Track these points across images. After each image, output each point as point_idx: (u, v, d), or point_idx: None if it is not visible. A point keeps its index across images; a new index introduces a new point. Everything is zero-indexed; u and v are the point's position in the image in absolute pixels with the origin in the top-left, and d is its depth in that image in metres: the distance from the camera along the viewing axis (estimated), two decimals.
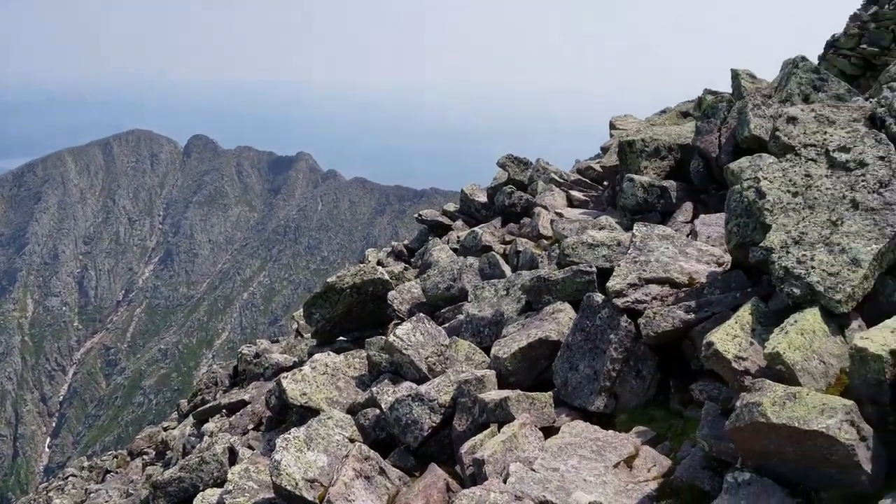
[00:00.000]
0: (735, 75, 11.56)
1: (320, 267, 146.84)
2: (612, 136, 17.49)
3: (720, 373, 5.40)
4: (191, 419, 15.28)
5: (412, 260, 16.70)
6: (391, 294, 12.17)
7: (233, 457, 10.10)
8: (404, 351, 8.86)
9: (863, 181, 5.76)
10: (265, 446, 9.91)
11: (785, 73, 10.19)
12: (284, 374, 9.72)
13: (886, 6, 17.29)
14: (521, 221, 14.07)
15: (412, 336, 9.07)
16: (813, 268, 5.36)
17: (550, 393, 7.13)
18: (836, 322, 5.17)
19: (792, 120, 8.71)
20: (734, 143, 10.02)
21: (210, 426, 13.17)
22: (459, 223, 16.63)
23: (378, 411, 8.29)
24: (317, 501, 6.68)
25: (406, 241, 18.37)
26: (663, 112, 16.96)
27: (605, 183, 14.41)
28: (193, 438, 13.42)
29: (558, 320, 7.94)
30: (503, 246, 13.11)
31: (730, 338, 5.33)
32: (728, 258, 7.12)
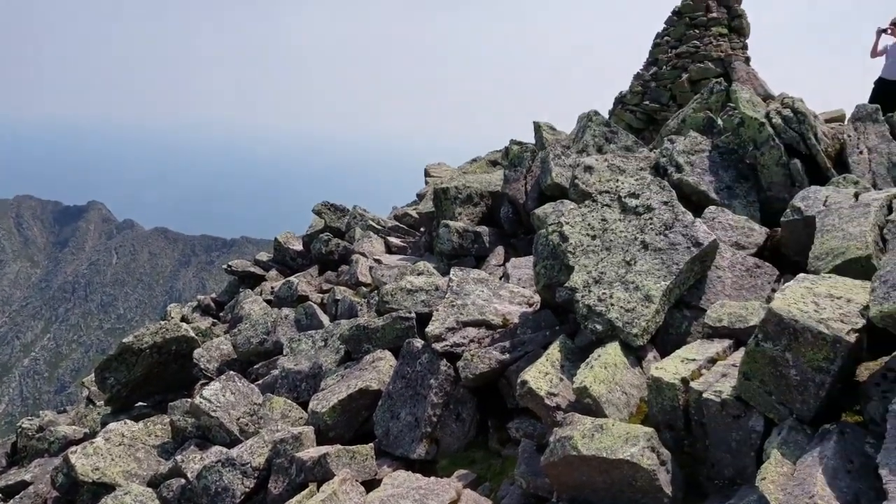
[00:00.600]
0: (537, 127, 12.42)
1: (115, 326, 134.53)
2: (427, 183, 17.99)
3: (534, 410, 5.60)
4: None
5: (221, 314, 15.77)
6: (197, 352, 11.33)
7: None
8: (212, 413, 8.23)
9: (650, 224, 6.35)
10: None
11: (581, 125, 11.12)
12: (73, 449, 8.61)
13: (664, 67, 19.65)
14: (339, 269, 13.90)
15: (221, 396, 8.47)
16: (612, 305, 5.77)
17: (372, 445, 6.96)
18: (634, 354, 5.58)
19: (588, 169, 9.50)
20: (539, 190, 10.70)
21: None
22: (273, 273, 16.05)
23: (184, 481, 7.55)
24: None
25: (214, 295, 17.33)
26: (474, 160, 17.79)
27: (422, 229, 14.71)
28: None
29: (378, 369, 7.84)
30: (321, 295, 12.82)
31: (542, 375, 5.55)
32: (538, 298, 7.48)
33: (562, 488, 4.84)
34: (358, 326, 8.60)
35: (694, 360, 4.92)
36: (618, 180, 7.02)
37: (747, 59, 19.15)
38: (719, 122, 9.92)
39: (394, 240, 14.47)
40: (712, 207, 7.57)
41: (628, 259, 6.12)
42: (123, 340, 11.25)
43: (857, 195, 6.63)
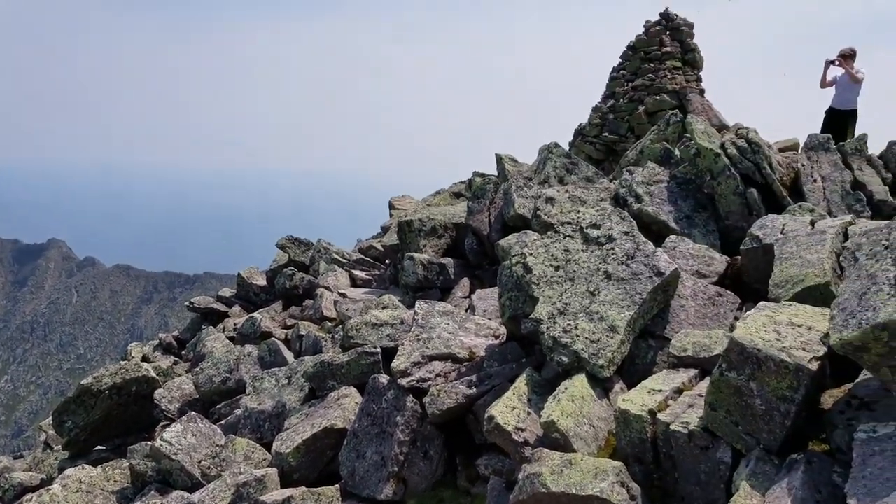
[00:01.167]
0: (499, 159, 12.49)
1: (75, 367, 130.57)
2: (391, 215, 17.94)
3: (502, 445, 5.51)
4: None
5: (183, 353, 15.40)
6: (158, 392, 11.01)
7: None
8: (173, 456, 7.97)
9: (613, 254, 6.38)
10: None
11: (542, 157, 11.22)
12: (29, 496, 8.30)
13: (621, 100, 20.07)
14: (304, 304, 13.69)
15: (182, 438, 8.21)
16: (577, 336, 5.75)
17: (337, 486, 6.79)
18: (601, 386, 5.56)
19: (550, 200, 9.56)
20: (502, 221, 10.73)
21: None
22: (237, 309, 15.76)
23: None
24: None
25: (176, 332, 16.94)
26: (438, 193, 17.83)
27: (387, 261, 14.62)
28: None
29: (344, 406, 7.68)
30: (285, 331, 12.60)
31: (509, 409, 5.48)
32: (504, 331, 7.44)
33: None
34: (322, 363, 8.44)
35: (660, 390, 4.91)
36: (579, 211, 7.06)
37: (701, 91, 19.69)
38: (676, 152, 10.11)
39: (359, 273, 14.35)
40: (672, 237, 7.66)
41: (592, 289, 6.12)
42: (82, 382, 10.90)
43: (813, 223, 6.77)
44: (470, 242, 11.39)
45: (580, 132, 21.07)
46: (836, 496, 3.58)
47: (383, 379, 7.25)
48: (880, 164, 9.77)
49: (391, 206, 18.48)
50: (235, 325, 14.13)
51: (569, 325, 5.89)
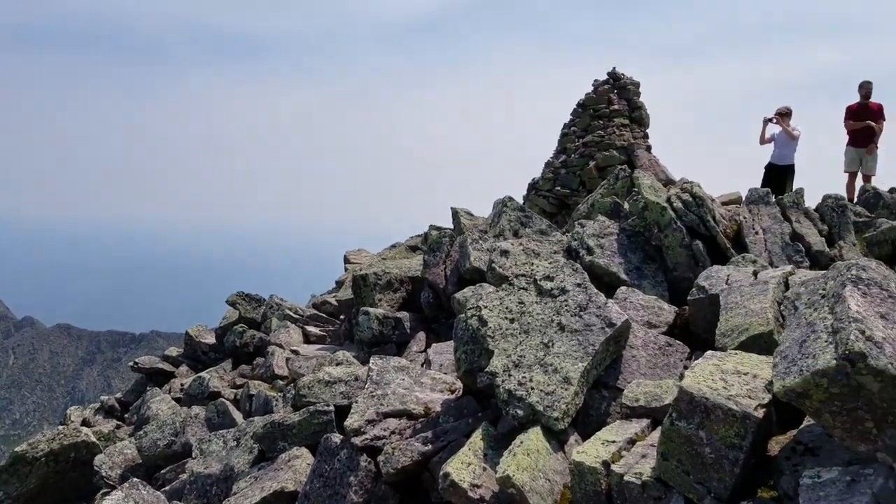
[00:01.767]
0: (455, 213, 12.65)
1: (10, 433, 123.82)
2: (346, 269, 17.83)
3: (458, 503, 5.43)
4: None
5: (126, 416, 14.80)
6: (98, 458, 10.51)
7: None
8: None
9: (566, 306, 6.47)
10: None
11: (496, 211, 11.41)
12: None
13: (573, 155, 20.63)
14: (255, 362, 13.39)
15: None
16: (532, 388, 5.77)
17: None
18: (557, 438, 5.56)
19: (505, 253, 9.69)
20: (458, 275, 10.79)
21: None
22: (184, 369, 15.29)
23: None
24: None
25: (119, 394, 16.29)
26: (394, 246, 17.86)
27: (342, 316, 14.47)
28: None
29: (295, 468, 7.47)
30: (234, 391, 12.26)
31: (464, 466, 5.43)
32: (460, 385, 7.40)
33: None
34: (273, 423, 8.22)
35: (614, 441, 4.95)
36: (533, 264, 7.18)
37: (648, 147, 20.42)
38: (626, 206, 10.41)
39: (312, 329, 14.14)
40: (623, 288, 7.83)
41: (546, 341, 6.18)
42: (16, 449, 10.41)
43: (755, 273, 7.01)
44: (426, 296, 11.39)
45: (534, 186, 21.52)
46: None
47: (336, 438, 7.10)
48: (816, 216, 10.23)
49: (346, 261, 18.40)
50: (182, 385, 13.69)
51: (524, 377, 5.91)
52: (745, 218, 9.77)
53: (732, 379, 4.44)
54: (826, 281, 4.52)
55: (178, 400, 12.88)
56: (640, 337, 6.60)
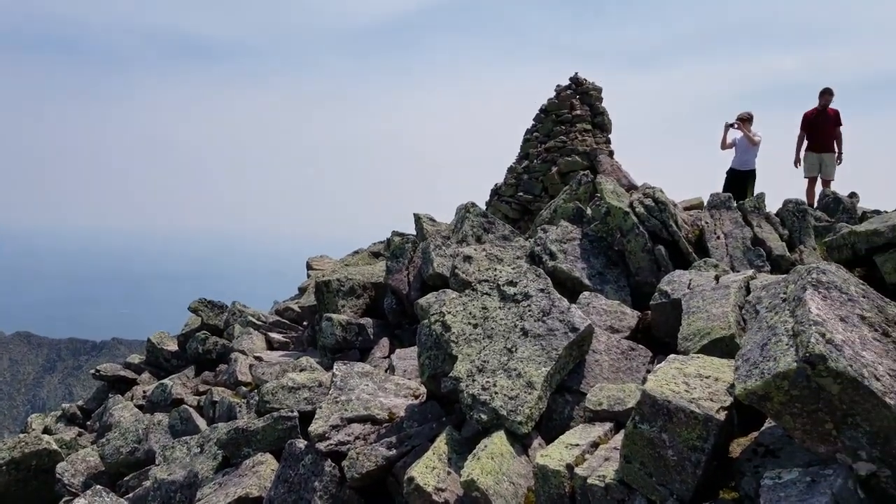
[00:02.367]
0: (417, 219, 12.60)
1: None
2: (309, 276, 17.66)
3: None
4: None
5: (88, 423, 14.47)
6: (60, 466, 10.31)
7: None
8: None
9: (529, 311, 6.48)
10: None
11: (459, 216, 11.39)
12: None
13: (535, 161, 20.71)
14: (218, 369, 13.18)
15: None
16: (496, 393, 5.76)
17: None
18: (520, 442, 5.55)
19: (468, 259, 9.68)
20: (421, 281, 10.75)
21: None
22: (146, 376, 14.99)
23: None
24: None
25: (81, 402, 15.91)
26: (356, 252, 17.73)
27: (305, 323, 14.32)
28: None
29: (259, 474, 7.36)
30: (197, 397, 12.05)
31: (429, 470, 5.39)
32: (423, 390, 7.37)
33: None
34: (236, 429, 8.09)
35: (577, 444, 4.95)
36: (496, 269, 7.17)
37: (611, 153, 20.62)
38: (588, 211, 10.48)
39: (275, 335, 13.97)
40: (586, 293, 7.87)
41: (510, 346, 6.18)
42: None
43: (717, 277, 7.10)
44: (389, 302, 11.33)
45: (496, 192, 21.57)
46: None
47: (300, 444, 7.02)
48: (777, 221, 10.42)
49: (309, 267, 18.22)
50: (145, 392, 13.42)
51: (487, 382, 5.90)
52: (706, 223, 9.92)
53: (695, 382, 4.48)
54: (787, 285, 4.59)
55: (140, 407, 12.63)
56: (602, 341, 6.63)
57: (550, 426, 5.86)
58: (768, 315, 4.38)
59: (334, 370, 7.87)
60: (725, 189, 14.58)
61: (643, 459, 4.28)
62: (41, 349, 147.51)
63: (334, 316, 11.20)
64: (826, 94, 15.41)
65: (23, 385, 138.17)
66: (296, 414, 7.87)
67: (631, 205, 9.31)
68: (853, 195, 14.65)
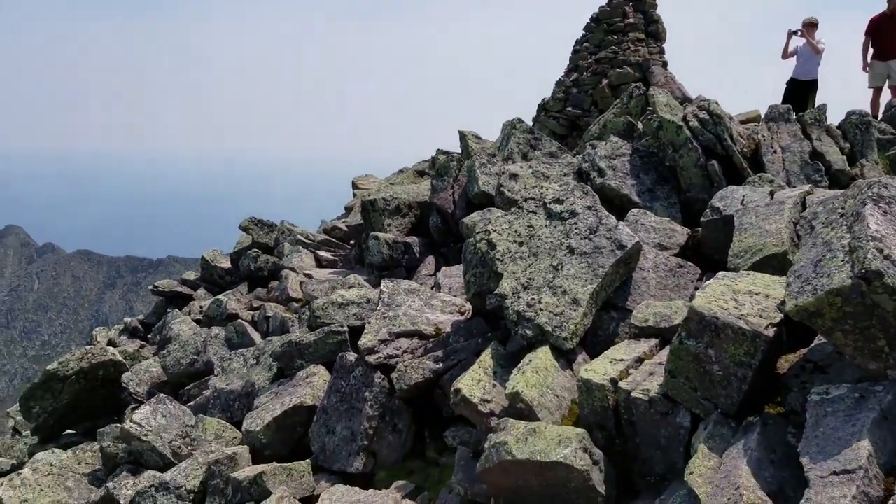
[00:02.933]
0: (462, 136, 12.45)
1: (41, 353, 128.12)
2: (355, 195, 17.78)
3: (469, 417, 5.59)
4: None
5: (149, 336, 15.20)
6: (126, 376, 10.94)
7: None
8: (144, 437, 7.93)
9: (575, 229, 6.43)
10: None
11: (505, 133, 11.20)
12: (0, 481, 8.23)
13: (584, 73, 20.04)
14: (269, 285, 13.58)
15: (152, 420, 8.17)
16: (541, 310, 5.81)
17: (308, 461, 6.83)
18: (565, 357, 5.63)
19: (513, 176, 9.58)
20: (467, 199, 10.72)
21: None
22: (202, 292, 15.56)
23: None
24: None
25: (141, 316, 16.68)
26: (401, 171, 17.69)
27: (352, 241, 14.54)
28: None
29: (312, 384, 7.69)
30: (251, 312, 12.51)
31: (475, 382, 5.54)
32: (469, 307, 7.48)
33: (499, 493, 4.84)
34: (290, 342, 8.42)
35: (622, 360, 5.00)
36: (542, 187, 7.09)
37: (665, 64, 19.76)
38: (639, 126, 10.18)
39: (324, 254, 14.25)
40: (635, 210, 7.74)
41: (555, 264, 6.18)
42: (48, 367, 10.81)
43: (772, 193, 6.89)
44: (434, 221, 11.38)
45: (543, 107, 21.01)
46: (790, 455, 3.70)
47: (351, 356, 7.28)
48: (839, 134, 9.96)
49: (354, 186, 18.32)
50: (201, 307, 13.97)
51: (532, 299, 5.94)
52: (763, 136, 9.54)
53: (744, 299, 4.43)
54: (845, 200, 4.43)
55: (197, 321, 13.19)
56: (650, 259, 6.57)
57: (595, 342, 5.92)
58: (824, 231, 4.26)
59: (382, 287, 8.04)
60: (785, 100, 13.89)
61: (688, 374, 4.30)
62: (101, 267, 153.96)
63: (381, 234, 11.32)
64: None
65: (86, 301, 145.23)
66: (345, 328, 8.13)
67: (684, 118, 8.99)
68: None
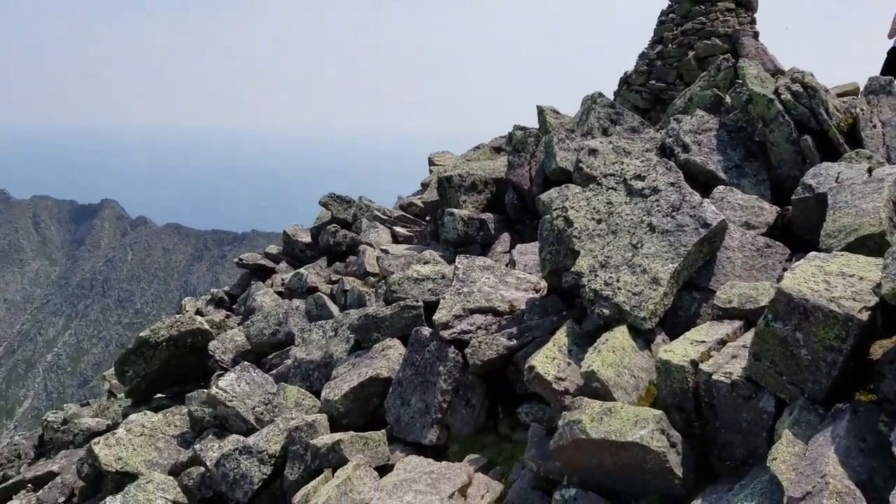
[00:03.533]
0: (540, 111, 12.28)
1: (133, 321, 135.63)
2: (431, 172, 17.87)
3: (543, 394, 5.56)
4: None
5: (234, 307, 15.85)
6: (212, 344, 11.46)
7: None
8: (228, 403, 8.31)
9: (657, 206, 6.26)
10: None
11: (585, 108, 10.97)
12: (96, 440, 8.80)
13: (670, 45, 19.34)
14: (347, 260, 13.89)
15: (237, 386, 8.54)
16: (619, 289, 5.70)
17: (384, 431, 6.99)
18: (643, 337, 5.52)
19: (593, 152, 9.39)
20: (544, 176, 10.59)
21: None
22: (283, 265, 16.08)
23: (203, 469, 7.73)
24: None
25: (227, 288, 17.41)
26: (477, 148, 17.64)
27: (428, 218, 14.65)
28: None
29: (388, 357, 7.85)
30: (330, 286, 12.84)
31: (549, 360, 5.51)
32: (544, 284, 7.43)
33: (572, 471, 4.82)
34: (367, 316, 8.60)
35: (703, 341, 4.86)
36: (623, 163, 6.92)
37: (756, 34, 18.81)
38: (727, 99, 9.77)
39: (400, 229, 14.43)
40: (721, 187, 7.46)
41: (635, 242, 6.04)
42: (140, 335, 11.48)
43: (870, 170, 6.50)
44: (510, 197, 11.31)
45: (625, 81, 20.42)
46: (882, 444, 3.52)
47: (426, 331, 7.37)
48: None
49: (431, 163, 18.40)
50: (283, 280, 14.45)
51: (610, 277, 5.84)
52: (862, 110, 8.97)
53: (836, 281, 4.22)
54: None
55: (279, 293, 13.66)
56: (736, 238, 6.33)
57: (675, 322, 5.77)
58: None
59: (456, 263, 8.08)
60: (885, 71, 13.02)
61: (774, 358, 4.14)
62: (189, 239, 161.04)
63: (456, 211, 11.35)
64: None
65: (175, 272, 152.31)
66: (421, 303, 8.24)
67: (776, 91, 8.55)
68: None
